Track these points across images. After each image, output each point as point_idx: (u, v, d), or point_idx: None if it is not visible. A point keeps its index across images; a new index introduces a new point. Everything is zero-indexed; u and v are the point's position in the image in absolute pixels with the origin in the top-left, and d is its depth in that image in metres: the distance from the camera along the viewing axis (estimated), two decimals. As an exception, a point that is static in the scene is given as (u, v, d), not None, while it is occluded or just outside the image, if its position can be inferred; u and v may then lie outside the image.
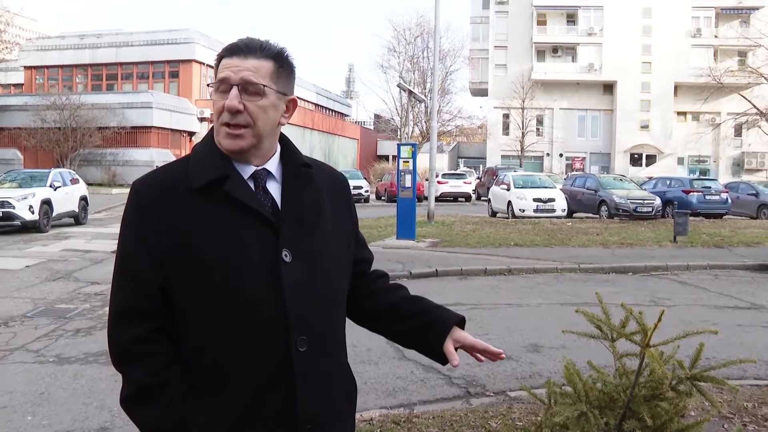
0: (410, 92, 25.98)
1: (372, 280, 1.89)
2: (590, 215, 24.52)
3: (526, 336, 7.93)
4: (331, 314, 1.66)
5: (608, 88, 57.66)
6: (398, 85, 31.81)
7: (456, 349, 1.86)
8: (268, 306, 1.52)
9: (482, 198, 34.73)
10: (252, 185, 1.60)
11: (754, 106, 40.25)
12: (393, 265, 12.77)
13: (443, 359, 1.86)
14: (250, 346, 1.51)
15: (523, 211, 23.36)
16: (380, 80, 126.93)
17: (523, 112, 54.05)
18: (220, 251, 1.50)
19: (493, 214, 25.72)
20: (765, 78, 40.03)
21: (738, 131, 54.32)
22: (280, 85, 1.61)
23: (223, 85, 1.56)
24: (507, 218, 23.55)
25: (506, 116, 56.93)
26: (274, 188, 1.63)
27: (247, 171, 1.60)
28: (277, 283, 1.53)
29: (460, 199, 37.39)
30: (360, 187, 35.85)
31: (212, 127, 1.64)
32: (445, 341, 1.83)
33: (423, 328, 1.84)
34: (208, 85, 4.78)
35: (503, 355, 1.92)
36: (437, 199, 32.02)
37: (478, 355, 1.91)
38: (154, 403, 1.49)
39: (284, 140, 1.70)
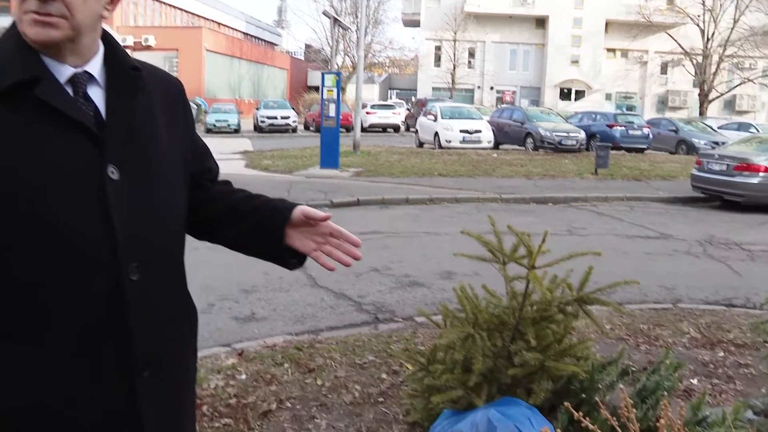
0: (336, 20, 25.36)
1: (212, 189, 1.68)
2: (516, 147, 24.73)
3: (441, 263, 7.96)
4: (166, 237, 1.45)
5: (540, 22, 57.62)
6: (324, 13, 31.03)
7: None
8: (93, 230, 1.30)
9: (411, 129, 34.61)
10: (70, 90, 1.35)
11: (680, 45, 40.84)
12: (315, 194, 12.65)
13: (292, 256, 1.63)
14: (74, 279, 1.29)
15: (450, 142, 23.37)
16: (311, 9, 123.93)
17: (455, 44, 53.65)
18: (32, 170, 1.26)
19: (420, 144, 25.69)
20: (691, 18, 40.60)
21: (664, 69, 55.26)
22: None
23: None
24: (433, 149, 23.55)
25: (438, 48, 56.46)
26: (96, 95, 1.38)
27: (63, 73, 1.35)
28: (102, 204, 1.31)
29: (388, 130, 37.24)
30: (287, 117, 35.31)
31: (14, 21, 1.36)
32: (285, 232, 1.59)
33: (261, 224, 1.60)
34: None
35: (358, 254, 1.66)
36: (366, 130, 31.97)
37: (329, 254, 1.62)
38: None
39: (108, 39, 1.45)
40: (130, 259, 1.33)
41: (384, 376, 4.43)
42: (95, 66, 1.40)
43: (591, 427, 2.35)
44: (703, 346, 5.37)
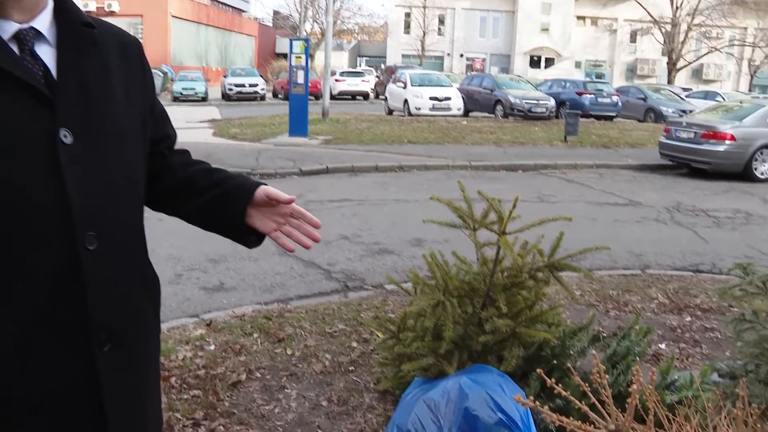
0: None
1: (170, 158, 1.60)
2: (486, 114, 24.65)
3: (411, 230, 7.93)
4: (124, 204, 1.36)
5: (510, -11, 57.48)
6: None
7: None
8: (46, 198, 1.21)
9: (381, 97, 34.36)
10: (15, 48, 1.24)
11: (649, 14, 40.91)
12: (283, 162, 12.51)
13: (251, 233, 1.58)
14: (28, 249, 1.21)
15: (419, 109, 23.23)
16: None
17: (424, 11, 53.21)
18: None
19: (390, 112, 25.51)
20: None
21: (633, 38, 55.35)
22: None
23: None
24: (403, 116, 23.40)
25: (407, 15, 55.99)
26: (46, 53, 1.28)
27: (6, 29, 1.24)
28: (55, 170, 1.22)
29: (358, 97, 36.93)
30: (256, 85, 34.86)
31: None
32: (246, 211, 1.54)
33: (222, 201, 1.55)
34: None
35: (318, 236, 1.62)
36: (335, 98, 31.68)
37: (290, 235, 1.59)
38: None
39: None
40: (86, 228, 1.25)
41: (354, 344, 4.40)
42: (43, 22, 1.29)
43: (564, 393, 2.34)
44: (671, 311, 5.42)
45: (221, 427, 3.23)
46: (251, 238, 1.60)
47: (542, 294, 3.47)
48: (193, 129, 17.95)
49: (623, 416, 2.24)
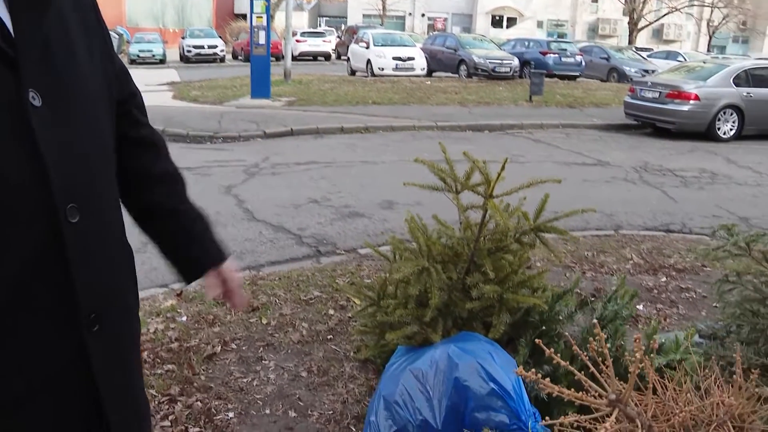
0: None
1: (137, 144, 1.48)
2: (449, 74, 24.45)
3: (381, 193, 7.81)
4: (101, 171, 1.24)
5: (472, -54, 56.88)
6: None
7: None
8: (20, 168, 1.07)
9: (342, 57, 33.94)
10: None
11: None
12: (246, 125, 12.23)
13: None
14: (5, 226, 1.07)
15: (383, 69, 22.94)
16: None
17: (385, -31, 52.59)
18: None
19: (353, 72, 25.18)
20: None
21: (595, -3, 55.59)
22: None
23: None
24: (366, 77, 23.09)
25: (368, -26, 55.27)
26: None
27: None
28: (27, 136, 1.08)
29: (319, 58, 36.40)
30: (215, 47, 34.10)
31: None
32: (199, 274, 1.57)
33: (181, 250, 1.57)
34: None
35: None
36: (296, 59, 31.18)
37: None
38: None
39: None
40: (67, 199, 1.12)
41: (331, 312, 4.28)
42: None
43: (563, 363, 2.24)
44: (646, 271, 5.41)
45: (198, 403, 3.10)
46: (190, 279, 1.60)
47: (527, 258, 3.38)
48: (152, 92, 17.46)
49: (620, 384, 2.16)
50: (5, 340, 1.10)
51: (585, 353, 2.12)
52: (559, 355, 2.11)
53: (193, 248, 1.55)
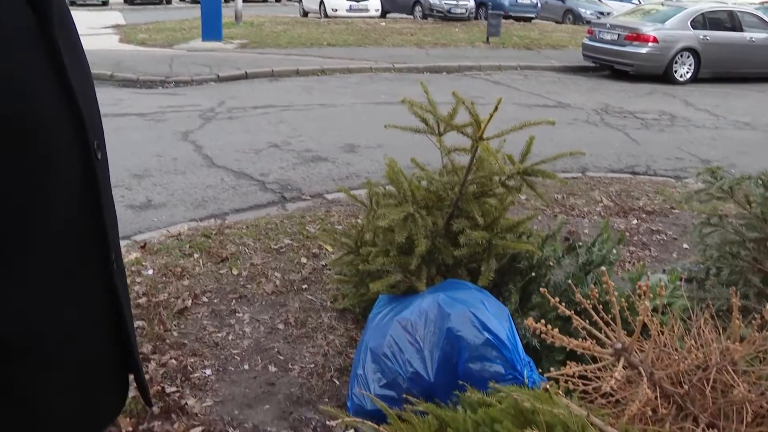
0: None
1: None
2: (404, 16, 24.02)
3: (342, 136, 7.60)
4: (99, 112, 1.18)
5: None
6: None
7: None
8: (59, 108, 1.00)
9: (294, -1, 33.18)
10: None
11: None
12: (199, 68, 11.79)
13: None
14: (50, 164, 0.99)
15: (336, 10, 22.41)
16: None
17: None
18: None
19: (305, 14, 24.56)
20: None
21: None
22: None
23: None
24: (319, 18, 22.54)
25: None
26: None
27: None
28: (58, 77, 1.00)
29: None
30: (161, -14, 32.96)
31: None
32: None
33: None
34: None
35: None
36: (246, 0, 30.24)
37: None
38: None
39: None
40: (94, 136, 1.08)
41: (304, 260, 4.12)
42: None
43: (568, 313, 2.13)
44: (617, 214, 5.37)
45: (173, 361, 2.93)
46: None
47: (512, 202, 3.27)
48: (97, 35, 16.71)
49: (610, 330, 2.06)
50: (51, 290, 1.02)
51: (588, 301, 2.02)
52: (561, 302, 2.00)
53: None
